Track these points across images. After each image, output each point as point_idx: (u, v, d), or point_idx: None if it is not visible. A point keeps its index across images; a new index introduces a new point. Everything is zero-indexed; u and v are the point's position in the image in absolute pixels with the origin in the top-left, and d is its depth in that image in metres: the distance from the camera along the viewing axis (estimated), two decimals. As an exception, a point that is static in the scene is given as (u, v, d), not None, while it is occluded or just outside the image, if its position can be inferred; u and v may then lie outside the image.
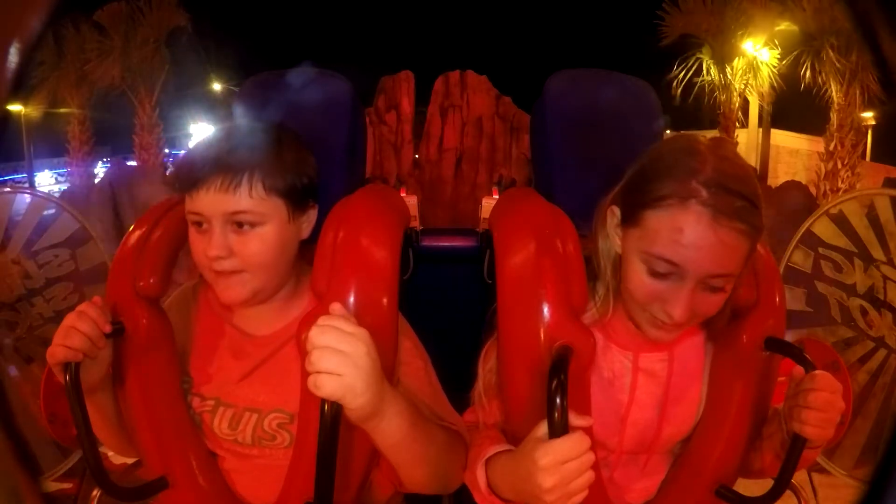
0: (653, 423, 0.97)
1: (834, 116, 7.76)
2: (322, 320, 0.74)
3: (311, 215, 0.98)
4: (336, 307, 0.78)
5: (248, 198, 0.89)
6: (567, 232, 0.94)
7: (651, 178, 0.84)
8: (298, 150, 0.96)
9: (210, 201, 0.89)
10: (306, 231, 0.98)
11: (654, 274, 0.83)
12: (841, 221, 2.36)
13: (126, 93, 8.90)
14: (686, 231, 0.79)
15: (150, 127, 8.95)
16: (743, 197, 0.79)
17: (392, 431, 0.80)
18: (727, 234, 0.78)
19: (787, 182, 5.25)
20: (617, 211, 0.90)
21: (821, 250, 2.39)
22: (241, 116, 1.13)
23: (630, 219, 0.87)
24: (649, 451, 1.00)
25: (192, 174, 0.90)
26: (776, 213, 4.88)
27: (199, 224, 0.92)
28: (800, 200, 4.97)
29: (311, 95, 1.12)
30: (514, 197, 1.07)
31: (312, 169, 0.97)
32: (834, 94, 7.71)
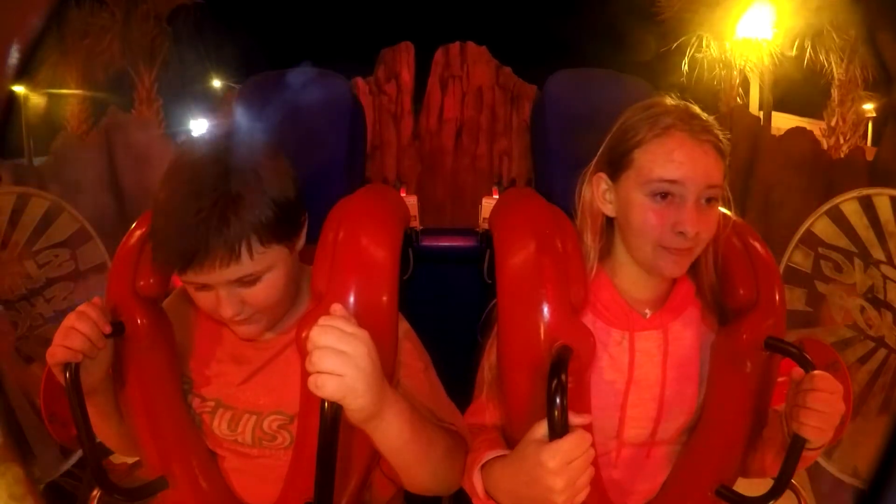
0: (653, 403, 0.97)
1: (835, 93, 7.73)
2: (323, 320, 0.74)
3: (304, 228, 0.94)
4: (337, 308, 0.78)
5: (249, 261, 0.84)
6: (567, 232, 0.94)
7: (628, 131, 0.94)
8: (277, 171, 0.88)
9: (209, 275, 0.83)
10: (301, 243, 0.95)
11: (658, 199, 0.91)
12: (841, 221, 2.36)
13: (127, 71, 8.84)
14: (676, 151, 0.90)
15: (148, 102, 8.92)
16: (705, 120, 0.93)
17: (392, 433, 0.80)
18: (707, 146, 0.91)
19: (791, 129, 5.19)
20: (604, 176, 0.97)
21: (821, 250, 2.39)
22: (242, 116, 1.13)
23: (620, 168, 0.95)
24: (651, 441, 1.00)
25: (183, 257, 0.82)
26: (783, 162, 4.85)
27: (200, 288, 0.87)
28: (806, 147, 4.91)
29: (311, 95, 1.12)
30: (514, 197, 1.07)
31: (293, 180, 0.90)
32: (834, 69, 7.67)
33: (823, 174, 4.74)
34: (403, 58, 7.02)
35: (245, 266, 0.84)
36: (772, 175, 4.81)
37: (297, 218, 0.91)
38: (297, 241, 0.92)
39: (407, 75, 6.98)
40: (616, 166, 0.95)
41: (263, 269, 0.86)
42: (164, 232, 0.84)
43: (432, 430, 0.87)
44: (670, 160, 0.89)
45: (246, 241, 0.82)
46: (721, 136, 0.92)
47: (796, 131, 5.03)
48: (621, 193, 0.95)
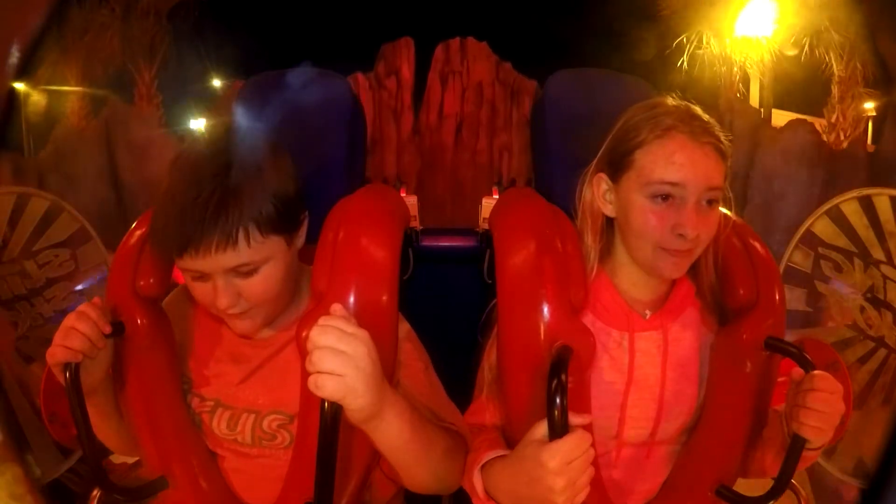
0: (653, 403, 0.97)
1: (835, 89, 7.71)
2: (323, 320, 0.74)
3: (304, 225, 0.95)
4: (337, 308, 0.78)
5: (246, 249, 0.84)
6: (567, 232, 0.94)
7: (629, 132, 0.94)
8: (278, 167, 0.89)
9: (207, 261, 0.84)
10: (301, 241, 0.95)
11: (658, 201, 0.90)
12: (841, 221, 2.36)
13: (127, 68, 8.84)
14: (677, 153, 0.90)
15: (148, 98, 8.92)
16: (707, 121, 0.93)
17: (392, 433, 0.80)
18: (708, 148, 0.91)
19: (792, 121, 5.18)
20: (605, 176, 0.97)
21: (821, 250, 2.39)
22: (242, 116, 1.13)
23: (621, 169, 0.95)
24: (651, 441, 1.00)
25: (180, 240, 0.83)
26: (782, 153, 4.84)
27: (198, 277, 0.88)
28: (806, 138, 4.90)
29: (311, 95, 1.12)
30: (514, 197, 1.07)
31: (293, 177, 0.92)
32: (834, 66, 7.66)
33: (825, 165, 4.72)
34: (403, 53, 7.04)
35: (242, 254, 0.84)
36: (773, 166, 4.79)
37: (297, 214, 0.92)
38: (296, 236, 0.93)
39: (407, 71, 6.99)
40: (617, 167, 0.95)
41: (261, 259, 0.87)
42: (163, 217, 0.85)
43: (432, 429, 0.87)
44: (671, 162, 0.90)
45: (244, 229, 0.83)
46: (722, 138, 0.92)
47: (797, 123, 5.00)
48: (622, 194, 0.95)
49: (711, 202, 0.92)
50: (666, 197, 0.90)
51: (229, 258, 0.84)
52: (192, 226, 0.82)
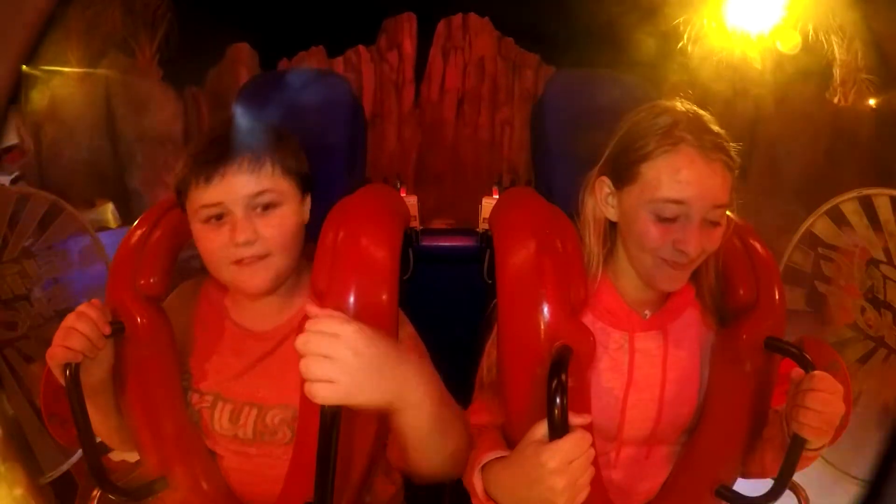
0: (653, 403, 0.97)
1: (837, 72, 7.70)
2: (308, 325, 0.72)
3: (308, 202, 1.00)
4: (312, 310, 0.75)
5: (270, 177, 0.92)
6: (567, 232, 0.94)
7: (636, 139, 0.92)
8: (296, 143, 0.99)
9: (233, 186, 0.90)
10: (306, 216, 1.00)
11: (663, 220, 0.89)
12: (841, 221, 2.36)
13: (128, 43, 8.81)
14: (684, 170, 0.87)
15: (148, 73, 8.88)
16: (717, 134, 0.90)
17: (418, 420, 0.79)
18: (716, 165, 0.88)
19: (793, 75, 5.18)
20: (607, 181, 0.96)
21: (821, 250, 2.39)
22: (242, 116, 1.13)
23: (625, 179, 0.93)
24: (651, 441, 1.00)
25: (213, 161, 0.90)
26: (788, 113, 4.79)
27: (216, 217, 0.91)
28: (809, 94, 4.87)
29: (311, 95, 1.13)
30: (514, 197, 1.07)
31: (304, 157, 1.01)
32: (836, 48, 7.64)
33: (829, 123, 4.69)
34: (405, 28, 7.01)
35: (266, 180, 0.91)
36: (777, 127, 4.75)
37: (307, 180, 0.99)
38: (305, 197, 0.99)
39: (409, 45, 6.97)
40: (621, 176, 0.94)
41: (279, 195, 0.93)
42: (199, 146, 0.93)
43: (451, 412, 0.86)
44: (677, 180, 0.88)
45: (270, 156, 0.93)
46: (731, 152, 0.90)
47: (799, 77, 4.94)
48: (624, 204, 0.94)
49: (715, 223, 0.91)
50: (671, 217, 0.89)
51: (253, 182, 0.91)
52: (224, 149, 0.91)
